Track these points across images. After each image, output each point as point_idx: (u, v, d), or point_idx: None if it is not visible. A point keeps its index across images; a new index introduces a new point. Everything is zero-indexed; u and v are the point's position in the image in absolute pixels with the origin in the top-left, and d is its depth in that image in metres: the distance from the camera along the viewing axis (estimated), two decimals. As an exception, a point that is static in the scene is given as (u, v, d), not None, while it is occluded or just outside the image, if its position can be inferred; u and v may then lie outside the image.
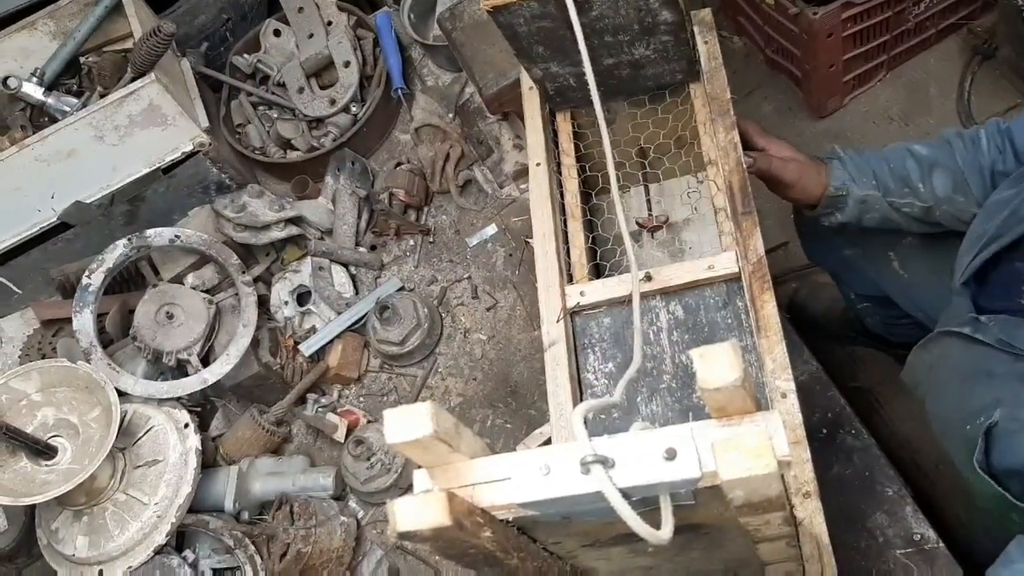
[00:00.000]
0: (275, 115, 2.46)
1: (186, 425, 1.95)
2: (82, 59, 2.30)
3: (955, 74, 2.20)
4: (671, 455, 0.74)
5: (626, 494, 0.75)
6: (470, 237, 2.28)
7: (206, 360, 2.10)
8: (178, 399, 2.02)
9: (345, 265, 2.27)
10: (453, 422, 0.80)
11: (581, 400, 1.34)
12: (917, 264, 1.52)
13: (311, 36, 2.42)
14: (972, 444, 1.13)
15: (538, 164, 1.52)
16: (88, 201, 2.15)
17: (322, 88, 2.42)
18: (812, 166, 1.47)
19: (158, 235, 2.13)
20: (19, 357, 2.18)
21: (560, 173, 1.54)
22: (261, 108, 2.49)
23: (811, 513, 1.12)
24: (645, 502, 0.78)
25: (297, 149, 2.43)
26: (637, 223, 1.62)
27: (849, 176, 1.44)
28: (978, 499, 1.18)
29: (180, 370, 2.09)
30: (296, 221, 2.26)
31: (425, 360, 2.17)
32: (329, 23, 2.43)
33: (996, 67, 2.15)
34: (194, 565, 1.87)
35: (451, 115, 2.39)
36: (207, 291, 2.18)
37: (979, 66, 2.17)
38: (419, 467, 0.85)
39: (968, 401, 1.19)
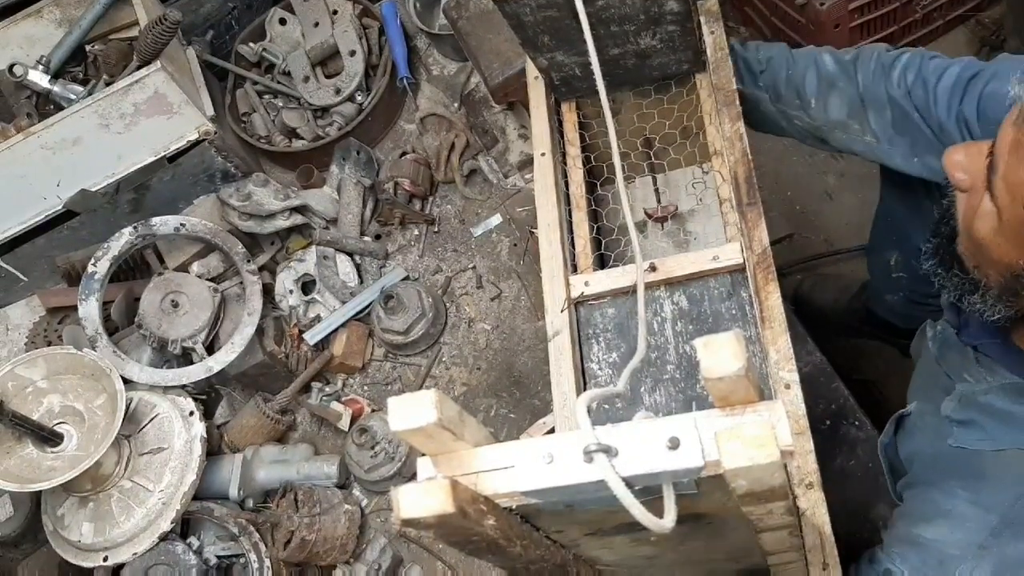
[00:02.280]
0: (280, 104, 2.46)
1: (191, 413, 1.96)
2: (88, 47, 2.30)
3: (962, 65, 2.18)
4: (674, 444, 0.74)
5: (629, 483, 0.75)
6: (475, 227, 2.28)
7: (211, 348, 2.10)
8: (183, 387, 2.03)
9: (350, 254, 2.27)
10: (457, 410, 0.80)
11: (585, 390, 1.34)
12: None
13: (316, 25, 2.41)
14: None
15: (543, 154, 1.52)
16: (94, 189, 2.15)
17: (327, 77, 2.42)
18: None
19: (163, 223, 2.13)
20: (25, 344, 2.19)
21: (565, 163, 1.54)
22: (266, 97, 2.49)
23: (814, 504, 1.12)
24: (648, 491, 0.78)
25: (302, 138, 2.43)
26: (645, 213, 1.62)
27: (737, 71, 1.40)
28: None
29: (185, 358, 2.10)
30: (301, 210, 2.26)
31: (429, 349, 2.18)
32: (335, 12, 2.42)
33: (1004, 58, 2.14)
34: (199, 552, 1.88)
35: (456, 104, 2.39)
36: (212, 279, 2.18)
37: (987, 57, 2.16)
38: (423, 455, 0.85)
39: (918, 391, 1.29)
